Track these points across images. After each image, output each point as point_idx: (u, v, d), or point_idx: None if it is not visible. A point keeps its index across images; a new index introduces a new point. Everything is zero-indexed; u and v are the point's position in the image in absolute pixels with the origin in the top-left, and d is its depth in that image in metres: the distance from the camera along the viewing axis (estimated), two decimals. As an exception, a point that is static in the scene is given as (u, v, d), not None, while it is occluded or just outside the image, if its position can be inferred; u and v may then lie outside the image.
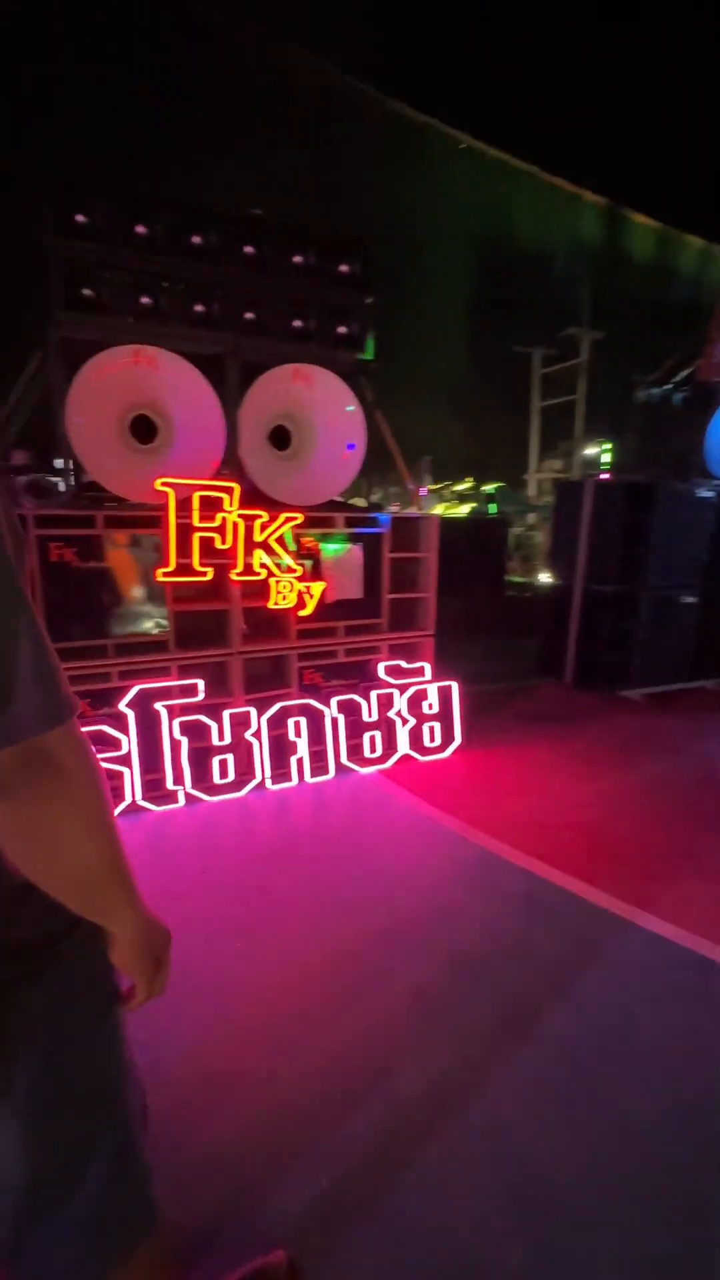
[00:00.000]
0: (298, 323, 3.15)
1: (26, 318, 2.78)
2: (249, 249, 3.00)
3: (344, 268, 3.17)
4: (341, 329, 3.25)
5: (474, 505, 11.59)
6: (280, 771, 3.49)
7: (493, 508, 10.68)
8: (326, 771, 3.61)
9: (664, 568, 4.81)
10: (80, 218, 2.65)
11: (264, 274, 3.07)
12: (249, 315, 3.07)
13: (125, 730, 3.09)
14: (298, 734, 3.51)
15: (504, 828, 3.00)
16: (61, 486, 3.14)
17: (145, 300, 2.85)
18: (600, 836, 2.95)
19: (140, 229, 2.77)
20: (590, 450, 13.87)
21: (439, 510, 11.89)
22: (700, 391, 4.91)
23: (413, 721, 3.84)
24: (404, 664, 3.84)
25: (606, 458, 12.59)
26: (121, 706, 3.09)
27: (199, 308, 2.98)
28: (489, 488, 11.57)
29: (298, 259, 3.09)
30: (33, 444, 3.34)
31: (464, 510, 11.59)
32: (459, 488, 11.93)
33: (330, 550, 3.62)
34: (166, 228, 2.84)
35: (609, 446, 12.54)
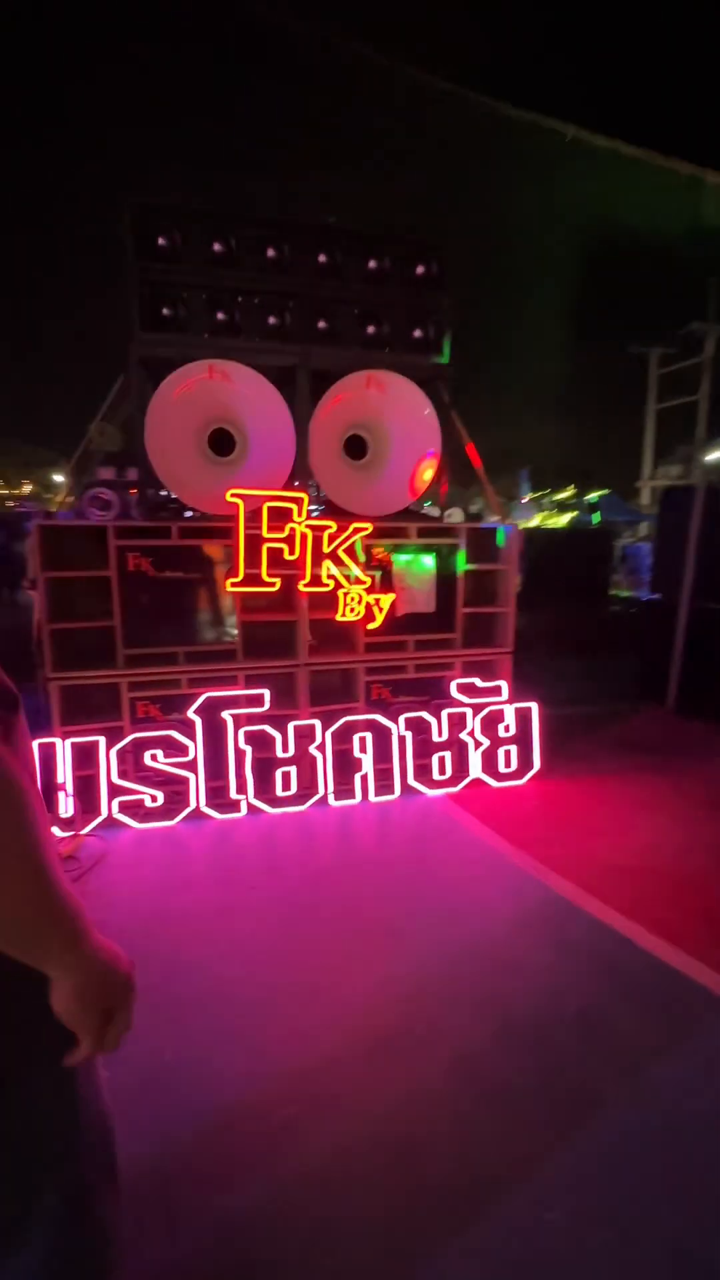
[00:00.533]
0: (371, 329, 3.08)
1: (116, 338, 2.92)
2: (323, 258, 2.97)
3: (420, 270, 3.06)
4: (417, 333, 3.13)
5: (575, 514, 10.96)
6: (344, 788, 3.39)
7: (595, 517, 10.03)
8: (392, 791, 3.46)
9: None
10: (161, 240, 2.76)
11: (337, 282, 3.03)
12: (321, 324, 3.04)
13: (193, 737, 3.14)
14: (363, 750, 3.39)
15: (581, 870, 2.70)
16: (132, 499, 3.25)
17: (220, 316, 2.91)
18: (698, 892, 2.56)
19: (218, 247, 2.84)
20: (714, 455, 12.70)
21: (536, 521, 11.37)
22: None
23: (486, 744, 3.59)
24: (479, 682, 3.61)
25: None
26: (190, 713, 3.14)
27: (272, 320, 2.99)
28: (593, 496, 10.89)
29: (372, 264, 3.02)
30: (124, 460, 3.51)
31: (564, 520, 10.99)
32: (559, 496, 11.35)
33: (405, 562, 3.49)
34: (243, 243, 2.88)
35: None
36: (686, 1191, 1.38)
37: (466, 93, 5.71)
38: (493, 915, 2.42)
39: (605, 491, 10.96)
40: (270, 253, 2.90)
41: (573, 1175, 1.42)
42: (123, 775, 3.08)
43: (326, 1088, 1.65)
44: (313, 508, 3.32)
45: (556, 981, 2.05)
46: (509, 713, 3.61)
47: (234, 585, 3.11)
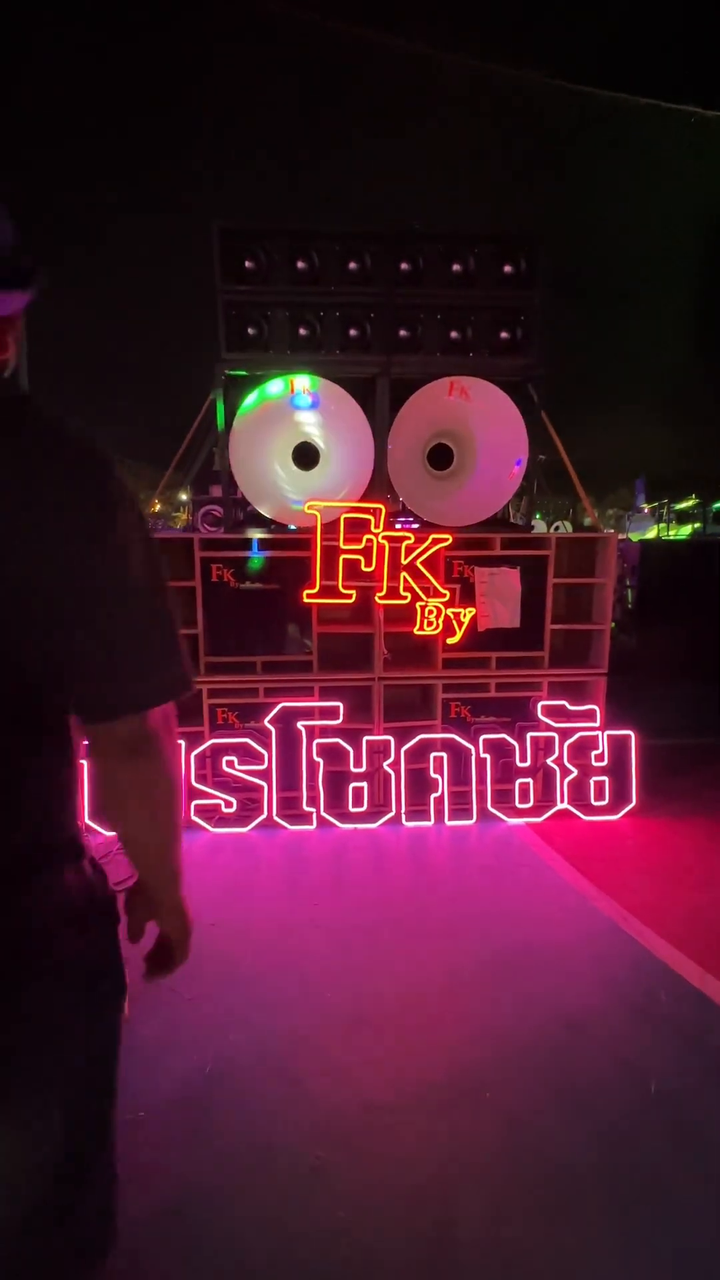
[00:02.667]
0: (455, 334, 2.97)
1: (207, 358, 3.06)
2: (405, 265, 2.92)
3: (508, 268, 2.91)
4: (504, 335, 2.98)
5: (697, 525, 10.00)
6: (417, 808, 3.26)
7: (705, 530, 9.11)
8: (469, 815, 3.28)
9: None
10: (248, 264, 2.86)
11: (419, 288, 2.96)
12: (403, 333, 2.99)
13: (268, 746, 3.17)
14: (439, 770, 3.25)
15: (675, 925, 2.37)
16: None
17: (302, 332, 2.95)
18: None
19: (301, 264, 2.89)
20: None
21: (653, 533, 10.51)
22: None
23: (575, 773, 3.30)
24: (569, 705, 3.33)
25: None
26: (266, 722, 3.18)
27: (353, 332, 2.99)
28: (717, 505, 9.89)
29: (456, 267, 2.92)
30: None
31: (685, 532, 10.07)
32: (680, 506, 10.42)
33: (485, 574, 3.32)
34: (326, 257, 2.91)
35: None
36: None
37: (568, 84, 5.46)
38: (567, 966, 2.19)
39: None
40: (352, 265, 2.91)
41: (621, 1269, 1.20)
42: (200, 779, 3.17)
43: (360, 1133, 1.54)
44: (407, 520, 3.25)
45: (633, 1052, 1.79)
46: (602, 740, 3.30)
47: (310, 596, 3.12)
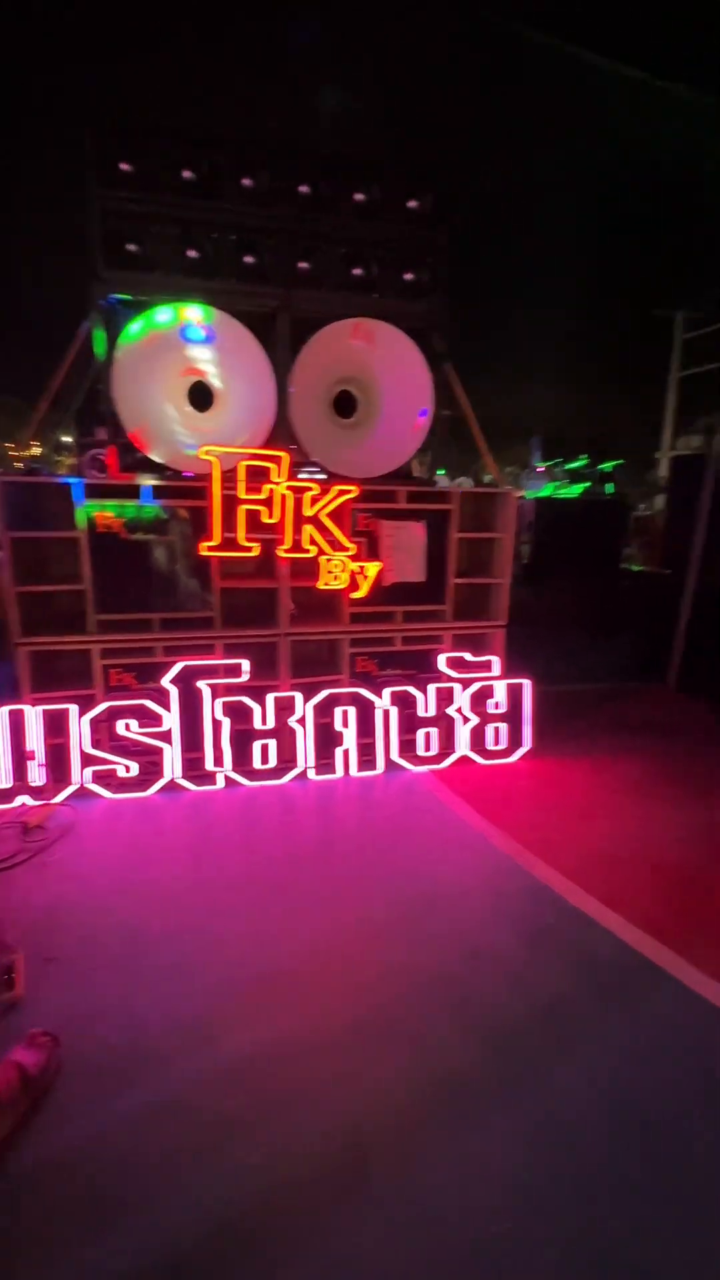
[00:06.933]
0: (358, 270, 2.82)
1: (78, 275, 2.68)
2: (304, 188, 2.71)
3: (413, 203, 2.78)
4: (408, 275, 2.87)
5: (588, 484, 10.57)
6: (325, 762, 3.28)
7: (609, 488, 9.64)
8: (374, 766, 3.35)
9: None
10: (125, 166, 2.51)
11: (321, 215, 2.76)
12: (303, 265, 2.79)
13: (168, 706, 3.02)
14: (345, 724, 3.27)
15: (566, 856, 2.57)
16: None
17: (192, 254, 2.67)
18: (685, 882, 2.43)
19: (187, 174, 2.58)
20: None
21: (547, 491, 11.00)
22: None
23: (475, 720, 3.45)
24: (469, 656, 3.45)
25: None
26: (165, 682, 3.02)
27: (248, 259, 2.75)
28: (606, 465, 10.48)
29: (359, 196, 2.75)
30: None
31: (576, 490, 10.62)
32: (572, 465, 10.92)
33: (390, 527, 3.30)
34: (215, 170, 2.62)
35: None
36: (627, 1173, 1.28)
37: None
38: (468, 902, 2.32)
39: (619, 462, 10.53)
40: (246, 181, 2.64)
41: (519, 1168, 1.32)
42: (96, 744, 2.98)
43: (273, 1080, 1.56)
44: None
45: (525, 972, 1.94)
46: (499, 689, 3.46)
47: (209, 549, 2.95)
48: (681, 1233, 1.24)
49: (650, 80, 5.84)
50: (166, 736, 3.05)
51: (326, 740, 3.27)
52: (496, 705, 3.47)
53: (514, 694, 3.49)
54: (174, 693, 3.02)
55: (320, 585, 3.16)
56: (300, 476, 3.05)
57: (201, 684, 3.05)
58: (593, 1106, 1.50)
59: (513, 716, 3.51)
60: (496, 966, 1.97)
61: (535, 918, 2.22)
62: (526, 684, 3.51)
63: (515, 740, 3.54)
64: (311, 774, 3.26)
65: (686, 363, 14.09)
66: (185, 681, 3.04)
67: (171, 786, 3.08)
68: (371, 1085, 1.55)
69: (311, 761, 3.26)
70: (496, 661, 3.48)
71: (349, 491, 3.06)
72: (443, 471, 3.38)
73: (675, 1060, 1.64)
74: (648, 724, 4.05)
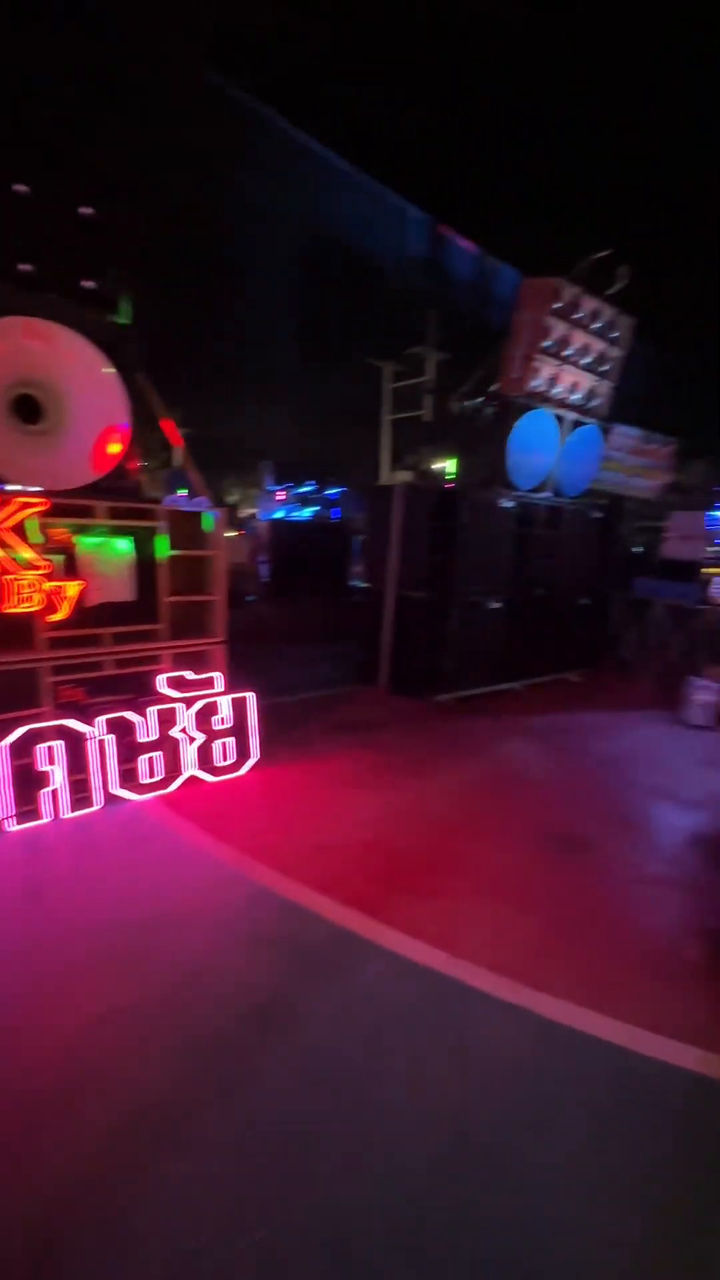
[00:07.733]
0: (26, 266, 2.59)
1: None
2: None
3: (85, 210, 2.68)
4: (88, 283, 2.75)
5: (316, 507, 11.45)
6: (26, 810, 2.89)
7: (323, 512, 10.64)
8: (91, 803, 3.07)
9: (472, 574, 4.88)
10: None
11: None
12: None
13: None
14: (51, 762, 2.93)
15: (287, 855, 2.70)
16: None
17: None
18: (388, 856, 2.76)
19: None
20: (438, 464, 14.30)
21: (280, 514, 11.60)
22: (504, 406, 5.07)
23: (201, 738, 3.42)
24: (191, 675, 3.41)
25: (451, 470, 13.03)
26: None
27: None
28: (331, 491, 11.50)
29: (18, 187, 2.54)
30: None
31: (307, 513, 11.41)
32: (301, 490, 11.72)
33: (94, 545, 3.10)
34: None
35: (454, 461, 13.01)
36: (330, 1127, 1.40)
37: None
38: (195, 921, 2.27)
39: (343, 489, 11.65)
40: None
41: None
42: None
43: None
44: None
45: (246, 977, 1.98)
46: (224, 704, 3.49)
47: None
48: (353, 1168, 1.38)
49: (358, 172, 6.66)
50: None
51: (27, 783, 2.89)
52: (222, 721, 3.49)
53: (238, 708, 3.56)
54: None
55: (3, 609, 2.79)
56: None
57: None
58: (294, 1078, 1.59)
59: (239, 730, 3.57)
60: (219, 979, 1.96)
61: (255, 922, 2.28)
62: (251, 697, 3.60)
63: (244, 753, 3.60)
64: (10, 825, 2.84)
65: (395, 408, 16.25)
66: None
67: None
68: (80, 1154, 1.40)
69: (11, 810, 2.84)
70: (220, 677, 3.51)
71: (34, 504, 2.77)
72: (182, 490, 3.30)
73: (374, 1018, 1.83)
74: (359, 723, 4.50)
